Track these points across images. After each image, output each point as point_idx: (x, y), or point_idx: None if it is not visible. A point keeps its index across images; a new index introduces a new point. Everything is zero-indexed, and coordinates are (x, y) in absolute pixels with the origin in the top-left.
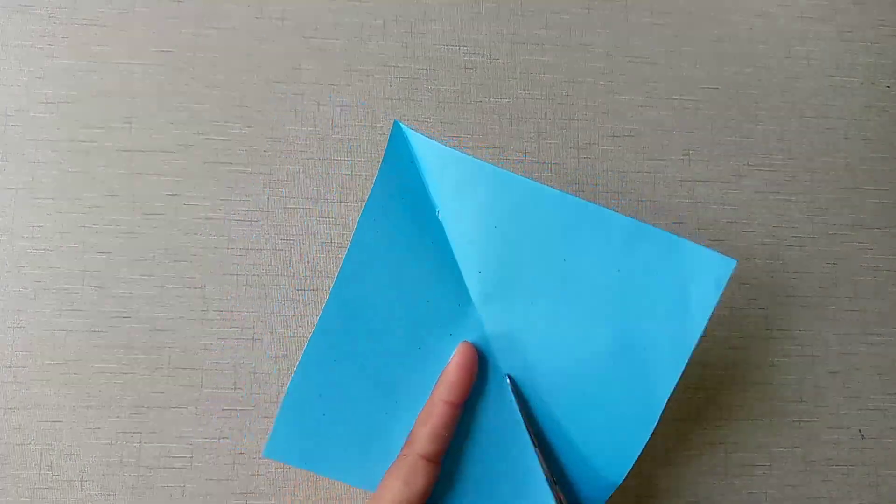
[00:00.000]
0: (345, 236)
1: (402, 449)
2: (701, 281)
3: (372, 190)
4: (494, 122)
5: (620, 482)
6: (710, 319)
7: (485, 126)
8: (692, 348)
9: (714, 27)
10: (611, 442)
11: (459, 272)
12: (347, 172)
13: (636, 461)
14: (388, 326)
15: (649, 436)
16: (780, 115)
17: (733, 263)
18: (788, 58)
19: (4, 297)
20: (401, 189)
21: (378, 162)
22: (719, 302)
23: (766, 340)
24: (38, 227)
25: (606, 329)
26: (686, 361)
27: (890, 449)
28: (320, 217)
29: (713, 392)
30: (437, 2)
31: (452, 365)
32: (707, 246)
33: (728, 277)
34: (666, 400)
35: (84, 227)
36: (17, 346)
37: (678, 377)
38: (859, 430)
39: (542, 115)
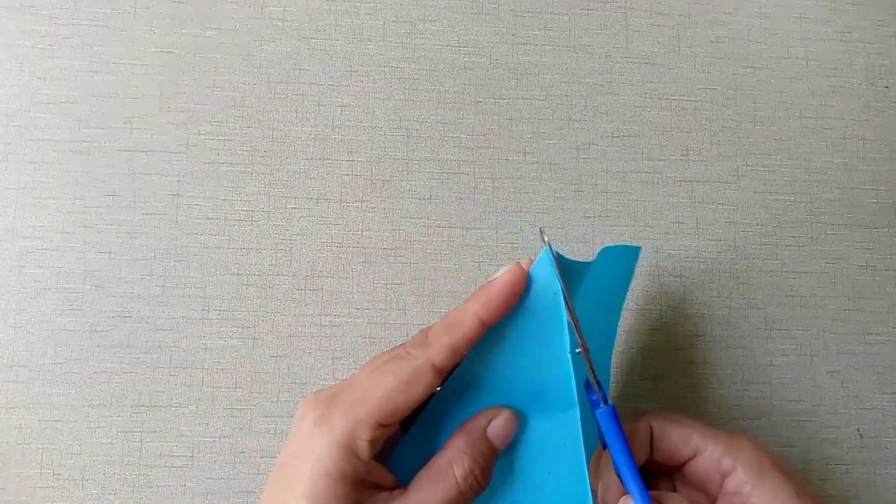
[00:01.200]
0: (345, 236)
1: (402, 346)
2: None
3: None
4: (494, 122)
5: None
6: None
7: (484, 126)
8: (617, 325)
9: (713, 28)
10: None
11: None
12: (347, 172)
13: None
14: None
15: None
16: (779, 116)
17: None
18: (787, 58)
19: (6, 297)
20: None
21: (377, 162)
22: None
23: (764, 340)
24: (40, 226)
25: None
26: (615, 335)
27: (888, 448)
28: (320, 217)
29: (712, 392)
30: (437, 2)
31: (498, 281)
32: (706, 246)
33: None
34: (610, 368)
35: (85, 226)
36: (19, 345)
37: (613, 346)
38: (858, 430)
39: (542, 116)
